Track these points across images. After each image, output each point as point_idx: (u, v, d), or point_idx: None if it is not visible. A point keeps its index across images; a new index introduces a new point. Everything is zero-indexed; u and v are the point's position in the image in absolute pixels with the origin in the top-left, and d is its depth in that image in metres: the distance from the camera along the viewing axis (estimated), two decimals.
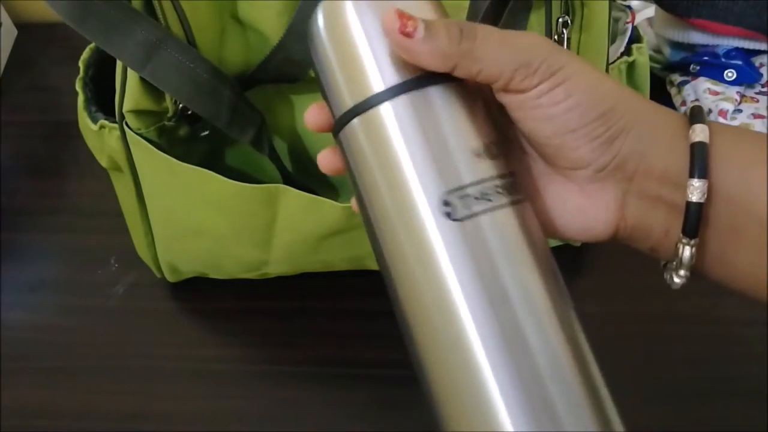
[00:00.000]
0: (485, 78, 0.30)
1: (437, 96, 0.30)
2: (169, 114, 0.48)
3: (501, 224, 0.30)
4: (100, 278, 0.61)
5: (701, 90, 0.65)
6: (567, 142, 0.31)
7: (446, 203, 0.29)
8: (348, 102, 0.31)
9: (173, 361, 0.56)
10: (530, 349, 0.28)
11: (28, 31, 0.81)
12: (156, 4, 0.44)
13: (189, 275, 0.58)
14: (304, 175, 0.54)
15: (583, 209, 0.33)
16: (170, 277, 0.58)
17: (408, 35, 0.30)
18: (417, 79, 0.30)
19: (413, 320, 0.33)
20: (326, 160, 0.35)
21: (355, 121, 0.31)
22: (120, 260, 0.61)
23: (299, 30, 0.48)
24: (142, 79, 0.45)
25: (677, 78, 0.68)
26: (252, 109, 0.49)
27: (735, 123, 0.61)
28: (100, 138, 0.50)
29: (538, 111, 0.31)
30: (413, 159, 0.30)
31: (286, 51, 0.48)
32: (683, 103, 0.66)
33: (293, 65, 0.49)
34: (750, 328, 0.55)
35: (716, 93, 0.64)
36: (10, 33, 0.81)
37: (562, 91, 0.30)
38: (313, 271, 0.57)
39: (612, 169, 0.31)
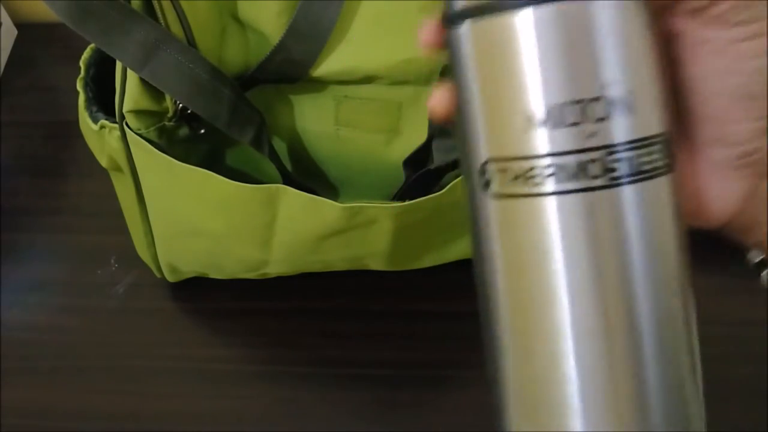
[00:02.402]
0: None
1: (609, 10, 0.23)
2: (169, 114, 0.48)
3: (651, 196, 0.23)
4: (100, 278, 0.61)
5: None
6: (732, 110, 0.25)
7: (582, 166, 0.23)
8: None
9: (173, 361, 0.56)
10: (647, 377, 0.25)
11: (28, 31, 0.81)
12: (155, 4, 0.44)
13: (189, 275, 0.58)
14: (304, 175, 0.54)
15: (701, 191, 0.27)
16: (170, 277, 0.58)
17: None
18: None
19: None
20: (439, 101, 0.28)
21: (489, 20, 0.24)
22: (120, 260, 0.61)
23: (299, 30, 0.48)
24: (142, 80, 0.45)
25: None
26: (252, 109, 0.49)
27: None
28: (100, 138, 0.50)
29: (722, 58, 0.24)
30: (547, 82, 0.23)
31: (286, 51, 0.48)
32: None
33: (293, 65, 0.49)
34: (750, 328, 0.55)
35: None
36: (10, 33, 0.81)
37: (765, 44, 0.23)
38: (313, 271, 0.57)
39: (756, 160, 0.26)
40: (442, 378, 0.55)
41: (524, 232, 0.24)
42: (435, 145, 0.51)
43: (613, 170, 0.23)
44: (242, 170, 0.53)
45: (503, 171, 0.24)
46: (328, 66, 0.50)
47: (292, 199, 0.48)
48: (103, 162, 0.52)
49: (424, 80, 0.51)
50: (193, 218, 0.51)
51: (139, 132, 0.48)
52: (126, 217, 0.56)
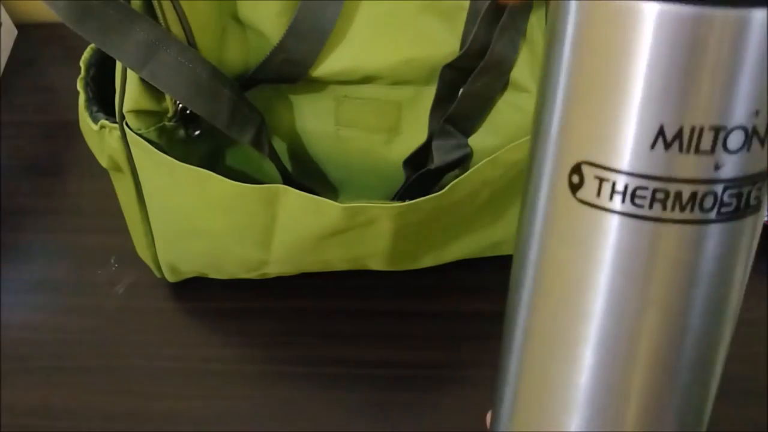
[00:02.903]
0: None
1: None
2: (169, 114, 0.48)
3: (750, 230, 0.22)
4: (100, 278, 0.61)
5: None
6: None
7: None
8: None
9: (173, 361, 0.56)
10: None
11: (28, 31, 0.81)
12: (155, 4, 0.44)
13: (189, 275, 0.58)
14: (304, 175, 0.54)
15: None
16: (170, 277, 0.58)
17: None
18: None
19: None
20: None
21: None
22: (120, 260, 0.61)
23: (299, 30, 0.48)
24: (142, 80, 0.45)
25: None
26: (252, 110, 0.49)
27: None
28: (100, 138, 0.50)
29: None
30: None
31: (286, 51, 0.48)
32: None
33: (293, 65, 0.49)
34: (750, 328, 0.55)
35: None
36: (10, 33, 0.81)
37: None
38: (313, 271, 0.57)
39: None
40: (442, 378, 0.55)
41: (606, 248, 0.22)
42: (435, 145, 0.51)
43: (727, 205, 0.20)
44: (242, 170, 0.53)
45: (602, 180, 0.21)
46: (328, 66, 0.50)
47: (292, 199, 0.48)
48: (103, 162, 0.52)
49: (424, 80, 0.51)
50: (193, 218, 0.51)
51: (139, 132, 0.48)
52: (126, 217, 0.56)
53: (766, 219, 0.57)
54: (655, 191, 0.20)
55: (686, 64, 0.19)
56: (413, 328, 0.57)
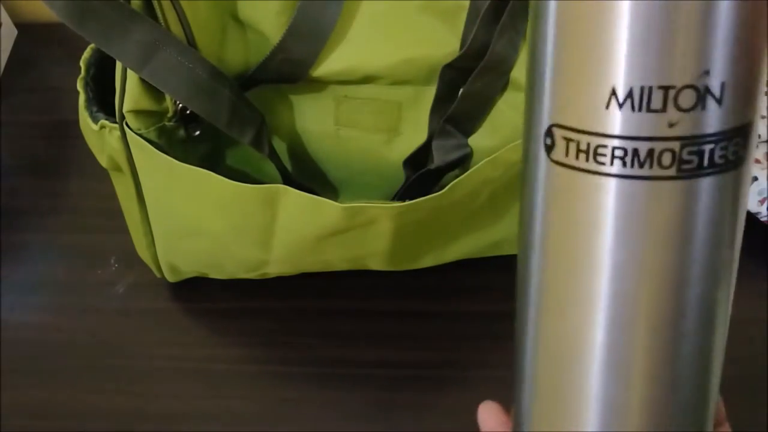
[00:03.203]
0: None
1: None
2: (169, 114, 0.48)
3: (718, 190, 0.22)
4: (100, 278, 0.61)
5: None
6: None
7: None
8: None
9: (173, 361, 0.56)
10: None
11: (28, 31, 0.81)
12: (155, 4, 0.44)
13: (189, 275, 0.58)
14: (304, 175, 0.54)
15: None
16: (170, 277, 0.58)
17: None
18: None
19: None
20: None
21: None
22: (120, 260, 0.61)
23: (299, 30, 0.48)
24: (142, 80, 0.45)
25: None
26: (252, 110, 0.49)
27: None
28: (100, 138, 0.50)
29: None
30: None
31: (286, 51, 0.48)
32: None
33: (293, 65, 0.49)
34: (750, 328, 0.55)
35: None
36: (10, 33, 0.81)
37: None
38: (313, 271, 0.57)
39: None
40: (442, 378, 0.55)
41: (578, 205, 0.23)
42: (435, 145, 0.51)
43: (686, 162, 0.21)
44: (242, 170, 0.53)
45: (568, 140, 0.22)
46: (328, 66, 0.50)
47: (292, 199, 0.48)
48: (103, 162, 0.52)
49: (424, 80, 0.51)
50: (193, 218, 0.51)
51: (139, 132, 0.48)
52: (126, 217, 0.56)
53: (765, 219, 0.57)
54: (614, 149, 0.21)
55: (630, 28, 0.20)
56: (413, 328, 0.57)
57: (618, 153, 0.21)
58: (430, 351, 0.56)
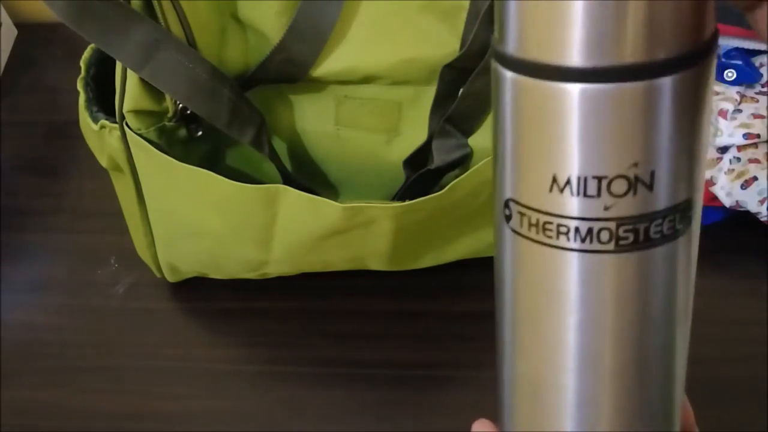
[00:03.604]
0: None
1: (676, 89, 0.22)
2: (169, 114, 0.48)
3: (655, 261, 0.25)
4: (100, 278, 0.61)
5: None
6: None
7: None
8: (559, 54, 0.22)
9: (173, 361, 0.56)
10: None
11: (28, 31, 0.81)
12: (155, 4, 0.44)
13: (189, 275, 0.58)
14: (304, 175, 0.54)
15: None
16: (170, 277, 0.58)
17: None
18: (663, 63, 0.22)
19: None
20: None
21: (538, 81, 0.23)
22: (120, 260, 0.61)
23: (299, 30, 0.48)
24: (142, 80, 0.45)
25: None
26: (252, 110, 0.49)
27: (735, 123, 0.61)
28: (100, 138, 0.50)
29: None
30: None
31: (286, 51, 0.48)
32: None
33: (293, 65, 0.49)
34: (750, 328, 0.55)
35: (716, 93, 0.64)
36: (10, 33, 0.81)
37: None
38: (313, 271, 0.57)
39: None
40: (442, 378, 0.55)
41: (535, 270, 0.26)
42: (435, 145, 0.51)
43: (623, 238, 0.24)
44: (242, 170, 0.53)
45: (522, 214, 0.25)
46: (328, 66, 0.50)
47: (292, 199, 0.48)
48: (103, 162, 0.52)
49: (424, 80, 0.51)
50: (193, 218, 0.51)
51: (139, 132, 0.48)
52: (126, 217, 0.56)
53: (765, 219, 0.57)
54: (558, 225, 0.24)
55: (567, 125, 0.23)
56: (413, 328, 0.57)
57: (562, 230, 0.24)
58: (430, 351, 0.56)
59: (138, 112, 0.47)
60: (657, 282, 0.25)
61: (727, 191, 0.57)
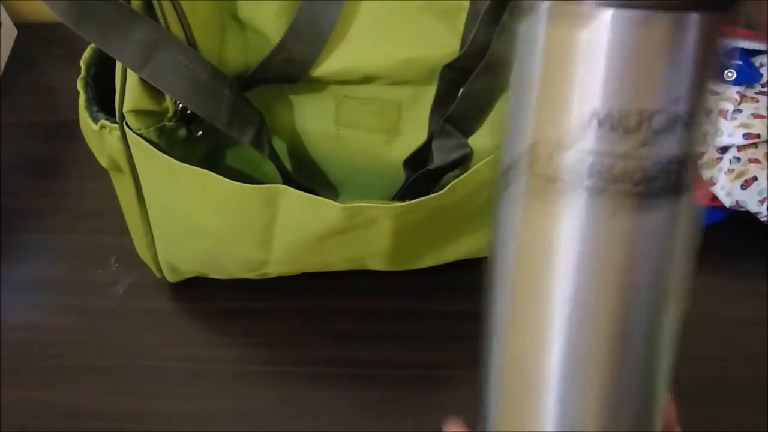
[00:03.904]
0: None
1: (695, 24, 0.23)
2: (169, 114, 0.48)
3: (682, 210, 0.24)
4: (100, 278, 0.61)
5: None
6: None
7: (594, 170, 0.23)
8: None
9: (173, 361, 0.56)
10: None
11: (28, 31, 0.81)
12: (155, 4, 0.44)
13: (189, 275, 0.58)
14: (304, 175, 0.54)
15: None
16: (170, 277, 0.58)
17: None
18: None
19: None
20: None
21: (576, 5, 0.23)
22: (120, 260, 0.61)
23: (299, 30, 0.48)
24: (142, 80, 0.45)
25: None
26: (252, 110, 0.49)
27: (735, 123, 0.61)
28: (100, 138, 0.50)
29: None
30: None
31: (286, 51, 0.48)
32: None
33: (293, 65, 0.49)
34: (750, 328, 0.55)
35: (716, 93, 0.64)
36: (10, 33, 0.81)
37: None
38: (313, 271, 0.57)
39: None
40: (442, 378, 0.55)
41: (554, 219, 0.25)
42: (435, 145, 0.51)
43: (654, 179, 0.23)
44: (242, 170, 0.53)
45: (550, 156, 0.24)
46: (328, 66, 0.50)
47: (292, 199, 0.48)
48: (103, 162, 0.52)
49: (424, 80, 0.51)
50: (193, 218, 0.51)
51: (139, 132, 0.48)
52: (126, 217, 0.56)
53: (765, 219, 0.57)
54: (592, 163, 0.23)
55: (600, 60, 0.22)
56: (413, 328, 0.57)
57: (595, 168, 0.23)
58: (430, 351, 0.56)
59: (138, 112, 0.47)
60: (660, 240, 0.24)
61: (727, 191, 0.57)
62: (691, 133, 0.23)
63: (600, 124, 0.23)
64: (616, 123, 0.23)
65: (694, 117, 0.23)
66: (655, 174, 0.23)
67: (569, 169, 0.23)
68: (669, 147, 0.23)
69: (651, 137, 0.23)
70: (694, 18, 0.22)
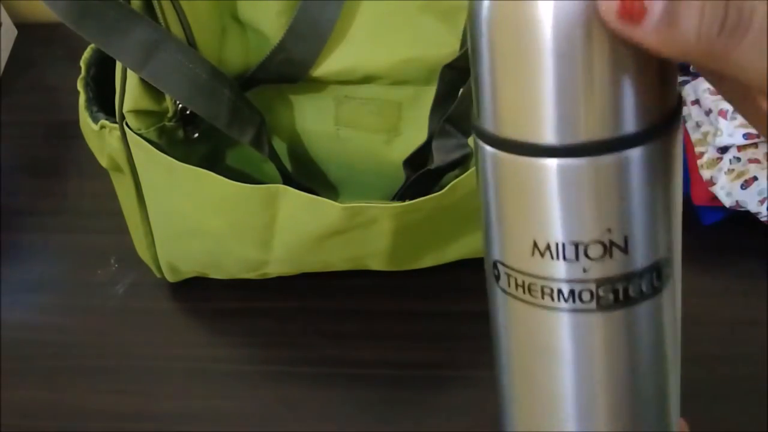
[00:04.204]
0: (743, 80, 0.22)
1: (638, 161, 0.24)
2: (169, 114, 0.48)
3: (636, 318, 0.26)
4: (100, 278, 0.61)
5: (701, 90, 0.65)
6: None
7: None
8: (539, 131, 0.24)
9: (173, 361, 0.56)
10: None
11: (28, 31, 0.81)
12: (155, 4, 0.44)
13: (189, 275, 0.58)
14: (304, 175, 0.54)
15: None
16: (170, 277, 0.58)
17: (634, 19, 0.21)
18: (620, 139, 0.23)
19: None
20: None
21: (517, 157, 0.25)
22: (120, 260, 0.61)
23: (299, 30, 0.48)
24: (142, 80, 0.45)
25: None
26: (252, 110, 0.49)
27: (735, 123, 0.61)
28: (100, 138, 0.50)
29: None
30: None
31: (286, 51, 0.48)
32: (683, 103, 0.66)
33: (293, 65, 0.49)
34: (750, 328, 0.55)
35: (716, 93, 0.64)
36: (10, 33, 0.81)
37: None
38: (313, 271, 0.57)
39: None
40: (442, 378, 0.55)
41: (522, 326, 0.27)
42: (435, 145, 0.51)
43: (603, 298, 0.25)
44: (242, 170, 0.53)
45: (509, 275, 0.26)
46: (328, 66, 0.50)
47: (292, 199, 0.48)
48: (103, 162, 0.52)
49: (424, 80, 0.51)
50: (193, 218, 0.51)
51: (139, 132, 0.48)
52: (126, 217, 0.56)
53: (765, 219, 0.57)
54: (542, 287, 0.25)
55: (544, 195, 0.24)
56: (413, 328, 0.57)
57: (546, 290, 0.25)
58: (430, 351, 0.56)
59: (138, 112, 0.47)
60: (643, 336, 0.26)
61: (727, 191, 0.57)
62: (632, 255, 0.25)
63: (542, 254, 0.25)
64: (555, 253, 0.25)
65: (633, 241, 0.24)
66: (602, 294, 0.25)
67: (525, 290, 0.26)
68: (611, 270, 0.25)
69: (589, 264, 0.25)
70: (633, 153, 0.23)
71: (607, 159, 0.23)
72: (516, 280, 0.26)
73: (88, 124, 0.50)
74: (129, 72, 0.46)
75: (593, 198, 0.24)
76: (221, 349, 0.57)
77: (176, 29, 0.45)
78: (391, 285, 0.59)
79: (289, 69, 0.49)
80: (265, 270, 0.55)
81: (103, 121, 0.49)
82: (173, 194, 0.50)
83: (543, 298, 0.25)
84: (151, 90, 0.46)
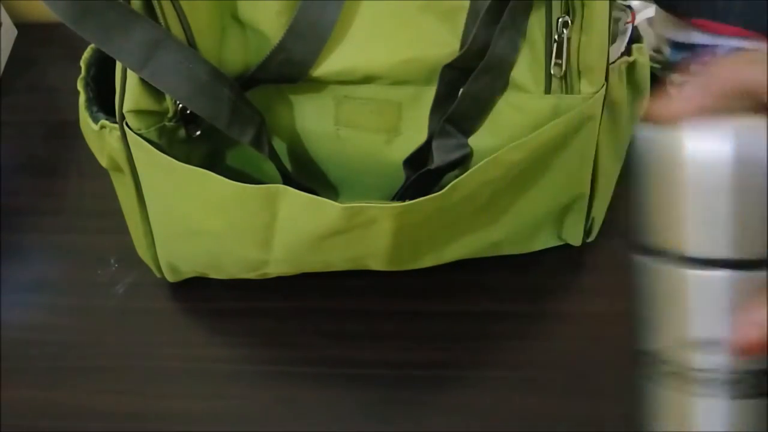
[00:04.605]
0: None
1: None
2: (169, 114, 0.48)
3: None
4: (100, 278, 0.61)
5: None
6: None
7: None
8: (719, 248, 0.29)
9: (173, 361, 0.56)
10: None
11: (28, 31, 0.81)
12: (155, 4, 0.44)
13: (189, 275, 0.58)
14: (304, 175, 0.54)
15: None
16: (170, 277, 0.58)
17: None
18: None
19: None
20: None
21: (675, 268, 0.30)
22: (120, 260, 0.61)
23: (299, 30, 0.48)
24: (142, 80, 0.45)
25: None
26: (252, 110, 0.49)
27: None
28: (100, 138, 0.50)
29: None
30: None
31: (286, 51, 0.48)
32: None
33: (293, 65, 0.49)
34: None
35: None
36: (10, 33, 0.81)
37: None
38: (314, 271, 0.57)
39: None
40: (442, 378, 0.55)
41: (690, 407, 0.30)
42: (435, 145, 0.51)
43: (757, 386, 0.29)
44: (242, 170, 0.53)
45: (668, 362, 0.30)
46: (328, 66, 0.50)
47: (292, 199, 0.48)
48: (103, 162, 0.52)
49: (424, 80, 0.51)
50: (193, 218, 0.51)
51: (139, 132, 0.48)
52: (126, 217, 0.56)
53: None
54: (703, 378, 0.29)
55: (693, 307, 0.29)
56: (413, 328, 0.57)
57: (706, 379, 0.29)
58: (430, 351, 0.56)
59: (138, 112, 0.47)
60: None
61: None
62: None
63: (700, 347, 0.29)
64: (710, 348, 0.29)
65: None
66: (756, 382, 0.29)
67: (684, 377, 0.29)
68: (759, 362, 0.29)
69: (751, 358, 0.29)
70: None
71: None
72: (680, 370, 0.30)
73: (88, 124, 0.50)
74: (129, 72, 0.46)
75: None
76: (221, 349, 0.57)
77: (176, 29, 0.45)
78: (391, 285, 0.59)
79: (289, 69, 0.49)
80: (265, 270, 0.55)
81: (103, 121, 0.49)
82: (173, 194, 0.50)
83: (704, 387, 0.29)
84: (151, 90, 0.46)
